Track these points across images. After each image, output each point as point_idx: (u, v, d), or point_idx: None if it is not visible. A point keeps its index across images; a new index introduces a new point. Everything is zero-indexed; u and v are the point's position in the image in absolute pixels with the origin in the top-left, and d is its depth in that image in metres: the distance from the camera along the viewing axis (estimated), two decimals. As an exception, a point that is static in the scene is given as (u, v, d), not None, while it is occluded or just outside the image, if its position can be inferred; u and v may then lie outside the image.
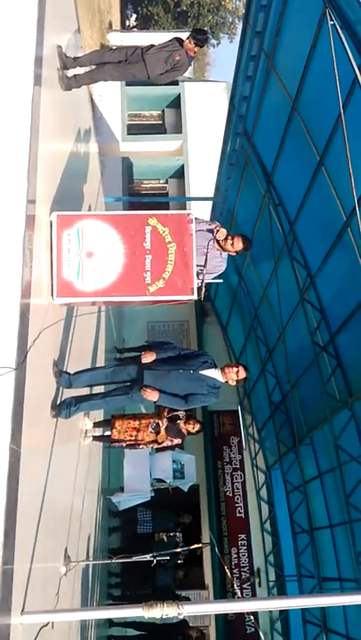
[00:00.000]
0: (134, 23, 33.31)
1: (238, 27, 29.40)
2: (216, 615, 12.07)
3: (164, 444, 7.76)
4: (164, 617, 3.30)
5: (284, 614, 12.50)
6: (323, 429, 9.63)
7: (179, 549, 8.33)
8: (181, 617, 3.35)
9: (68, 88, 5.90)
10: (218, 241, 5.41)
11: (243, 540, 13.43)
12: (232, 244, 5.43)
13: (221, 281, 5.86)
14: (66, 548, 4.99)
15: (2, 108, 4.02)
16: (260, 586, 13.37)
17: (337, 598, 3.31)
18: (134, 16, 33.27)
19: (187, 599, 9.94)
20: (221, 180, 11.10)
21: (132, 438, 7.17)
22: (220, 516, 13.62)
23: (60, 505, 4.86)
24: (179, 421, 7.87)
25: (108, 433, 7.28)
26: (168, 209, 12.88)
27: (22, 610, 3.20)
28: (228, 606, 3.49)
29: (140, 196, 18.31)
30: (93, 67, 6.17)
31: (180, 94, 18.62)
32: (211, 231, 5.38)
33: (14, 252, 3.63)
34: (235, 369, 5.25)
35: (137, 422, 7.17)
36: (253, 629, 12.22)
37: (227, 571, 12.67)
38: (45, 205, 4.58)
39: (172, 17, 30.97)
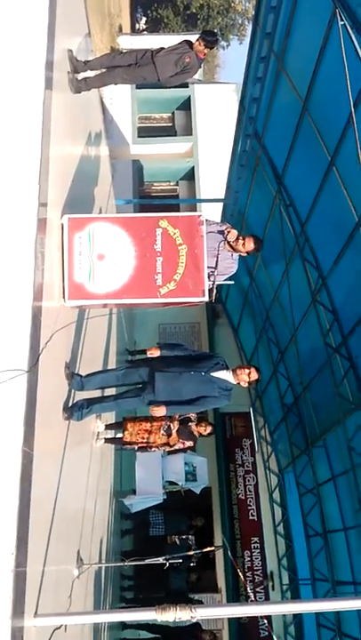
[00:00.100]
0: (144, 26, 33.41)
1: (248, 28, 29.43)
2: (229, 619, 12.02)
3: (176, 447, 7.76)
4: (177, 620, 3.29)
5: (297, 618, 12.44)
6: (336, 431, 9.57)
7: (191, 552, 8.32)
8: (194, 620, 3.33)
9: (77, 91, 5.92)
10: (229, 242, 5.40)
11: (256, 543, 13.39)
12: (243, 244, 5.41)
13: (233, 282, 5.85)
14: (78, 551, 4.99)
15: (13, 112, 4.04)
16: (273, 589, 13.31)
17: (351, 602, 3.28)
18: (144, 19, 33.38)
19: (200, 602, 9.91)
20: (232, 182, 11.09)
21: (144, 441, 7.18)
22: (233, 518, 13.59)
23: (72, 507, 4.86)
24: (190, 424, 7.88)
25: (119, 435, 7.29)
26: (179, 211, 12.89)
27: (35, 612, 3.20)
28: (242, 610, 3.46)
29: (151, 199, 18.35)
30: (104, 70, 6.19)
31: (190, 96, 18.65)
32: (222, 232, 5.37)
33: (26, 255, 3.64)
34: (246, 370, 5.22)
35: (149, 424, 7.17)
36: (267, 633, 12.18)
37: (240, 574, 12.63)
38: (57, 208, 4.59)
39: (182, 20, 31.03)
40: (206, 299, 4.85)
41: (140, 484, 9.03)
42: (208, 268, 4.95)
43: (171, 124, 19.46)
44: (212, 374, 5.20)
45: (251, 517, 13.61)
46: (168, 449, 7.82)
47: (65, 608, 4.18)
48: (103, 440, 7.01)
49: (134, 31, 29.39)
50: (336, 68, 5.74)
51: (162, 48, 6.16)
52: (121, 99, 17.20)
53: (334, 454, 10.28)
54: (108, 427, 7.16)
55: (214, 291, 5.16)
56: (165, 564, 6.61)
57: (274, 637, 12.14)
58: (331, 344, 8.90)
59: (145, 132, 18.70)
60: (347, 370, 8.64)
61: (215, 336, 15.74)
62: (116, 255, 4.72)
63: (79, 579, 4.83)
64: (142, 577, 10.62)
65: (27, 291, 3.54)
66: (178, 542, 10.28)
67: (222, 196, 11.98)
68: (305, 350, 10.05)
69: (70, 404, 4.93)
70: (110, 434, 7.32)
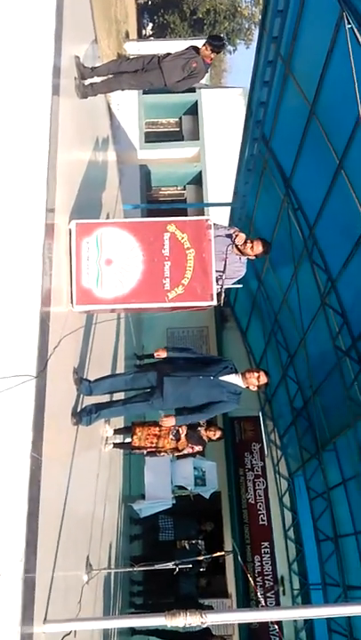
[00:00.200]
0: (151, 32, 33.53)
1: (254, 33, 29.43)
2: (239, 624, 11.96)
3: (185, 451, 7.74)
4: (187, 626, 3.27)
5: (308, 623, 12.34)
6: (346, 435, 9.51)
7: (201, 557, 8.28)
8: (204, 626, 3.31)
9: (84, 96, 5.94)
10: (237, 246, 5.39)
11: (266, 547, 13.33)
12: (252, 247, 5.40)
13: (241, 286, 5.83)
14: (88, 556, 4.98)
15: (21, 118, 4.05)
16: (284, 594, 13.24)
17: (363, 607, 3.25)
18: (151, 25, 33.50)
19: (210, 608, 9.87)
20: (240, 186, 11.08)
21: (153, 445, 7.16)
22: (243, 523, 13.54)
23: (81, 513, 4.85)
24: (199, 428, 7.85)
25: (128, 440, 7.28)
26: (186, 215, 12.90)
27: (45, 619, 3.19)
28: (252, 615, 3.44)
29: (159, 203, 18.37)
30: (110, 76, 6.21)
31: (197, 101, 18.69)
32: (229, 236, 5.36)
33: (34, 261, 3.65)
34: (256, 374, 5.21)
35: (157, 429, 7.16)
36: (278, 639, 12.10)
37: (250, 579, 12.57)
38: (64, 214, 4.61)
39: (189, 25, 31.11)
40: (215, 302, 4.84)
41: (150, 489, 9.02)
42: (216, 271, 4.94)
43: (178, 129, 19.50)
44: (220, 378, 5.18)
45: (261, 522, 13.55)
46: (177, 453, 7.80)
47: (74, 614, 4.17)
48: (112, 445, 7.01)
49: (141, 37, 29.53)
50: (343, 70, 5.72)
51: (168, 53, 6.17)
52: (128, 104, 17.25)
53: (345, 458, 10.21)
54: (116, 431, 7.16)
55: (223, 294, 5.15)
56: (175, 569, 6.58)
57: (285, 643, 12.07)
58: (340, 347, 8.86)
59: (152, 137, 18.75)
60: (357, 373, 8.60)
61: (224, 340, 15.71)
62: (123, 260, 4.72)
63: (88, 584, 4.82)
64: (152, 582, 10.60)
65: (35, 296, 3.55)
66: (187, 547, 10.23)
67: (230, 200, 11.97)
68: (314, 354, 10.01)
69: (79, 409, 4.93)
70: (119, 438, 7.32)
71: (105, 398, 5.41)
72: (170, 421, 5.15)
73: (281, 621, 11.22)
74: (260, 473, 13.88)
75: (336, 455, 10.58)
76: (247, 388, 5.25)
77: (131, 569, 7.72)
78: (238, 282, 5.59)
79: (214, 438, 8.01)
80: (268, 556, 13.23)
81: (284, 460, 14.13)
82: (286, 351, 11.96)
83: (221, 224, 5.67)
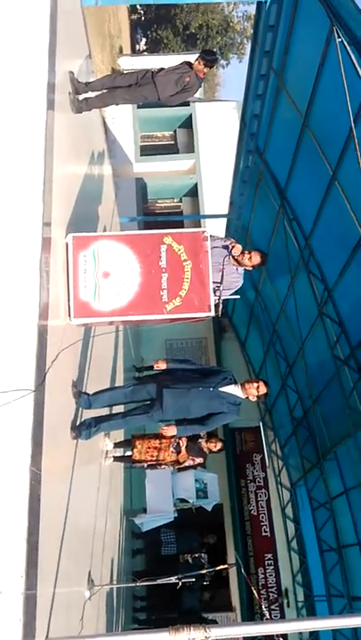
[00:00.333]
0: (144, 47, 33.80)
1: (247, 47, 29.72)
2: (244, 638, 11.84)
3: (186, 464, 7.71)
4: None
5: (314, 635, 12.23)
6: (347, 444, 9.48)
7: (204, 571, 8.23)
8: (209, 640, 3.27)
9: (79, 111, 5.98)
10: (234, 257, 5.41)
11: (269, 559, 13.22)
12: (250, 258, 5.43)
13: (238, 297, 5.85)
14: (89, 572, 4.94)
15: (17, 133, 4.08)
16: (288, 606, 13.13)
17: (368, 618, 3.22)
18: (144, 40, 33.77)
19: (214, 622, 9.78)
20: (235, 197, 11.14)
21: (153, 458, 7.14)
22: (246, 535, 13.43)
23: (82, 527, 4.82)
24: (200, 440, 7.83)
25: (128, 453, 7.25)
26: (183, 227, 12.94)
27: (46, 636, 3.16)
28: (257, 628, 3.40)
29: (155, 216, 18.43)
30: (105, 90, 6.25)
31: (191, 114, 18.82)
32: (226, 247, 5.39)
33: (31, 275, 3.66)
34: (255, 384, 5.21)
35: (158, 442, 7.13)
36: (283, 652, 11.97)
37: (254, 592, 12.46)
38: (61, 227, 4.62)
39: (182, 40, 31.37)
40: (212, 314, 4.84)
41: (151, 503, 8.97)
42: (213, 282, 4.95)
43: (173, 142, 19.62)
44: (220, 389, 5.18)
45: (264, 534, 13.45)
46: (178, 466, 7.77)
47: (77, 631, 4.13)
48: (112, 458, 6.98)
49: (135, 52, 29.77)
50: (335, 83, 5.78)
51: (162, 68, 6.23)
52: (123, 118, 17.36)
53: (346, 467, 10.18)
54: (116, 445, 7.13)
55: (220, 305, 5.16)
56: (178, 583, 6.54)
57: (290, 656, 11.94)
58: (339, 356, 8.86)
59: (147, 151, 18.85)
60: (356, 382, 8.59)
61: (222, 351, 15.71)
62: (121, 272, 4.73)
63: (90, 600, 4.78)
64: (155, 597, 10.52)
65: (32, 310, 3.56)
66: (190, 561, 10.17)
67: (226, 212, 12.03)
68: (313, 363, 10.01)
69: (78, 423, 4.92)
70: (119, 452, 7.29)
71: (104, 411, 5.39)
72: (171, 431, 5.13)
73: (286, 634, 11.11)
74: (261, 484, 13.79)
75: (337, 464, 10.54)
76: (247, 398, 5.24)
77: (133, 584, 7.66)
78: (235, 292, 5.61)
79: (215, 450, 7.99)
80: (272, 567, 13.11)
81: (286, 471, 14.08)
82: (285, 361, 11.96)
83: (218, 235, 5.70)
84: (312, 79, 6.79)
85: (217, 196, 15.26)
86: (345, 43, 5.55)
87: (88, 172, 6.97)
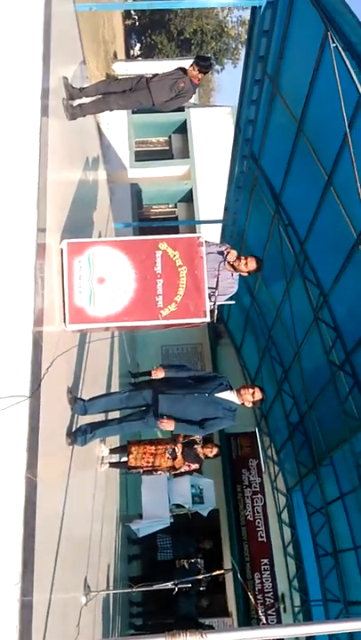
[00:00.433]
0: (139, 52, 33.90)
1: (241, 52, 29.84)
2: (241, 643, 11.80)
3: (182, 470, 7.69)
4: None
5: (310, 640, 12.22)
6: (342, 449, 9.50)
7: (200, 576, 8.20)
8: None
9: (73, 117, 5.99)
10: (229, 262, 5.42)
11: (266, 564, 13.21)
12: (246, 263, 5.43)
13: (234, 302, 5.86)
14: (85, 578, 4.92)
15: (11, 139, 4.08)
16: (285, 611, 13.12)
17: (364, 623, 3.22)
18: (138, 45, 33.88)
19: (210, 627, 9.75)
20: (230, 203, 11.17)
21: (149, 464, 7.12)
22: (242, 540, 13.42)
23: (78, 533, 4.81)
24: (196, 446, 7.81)
25: (124, 459, 7.24)
26: (178, 233, 12.97)
27: (42, 643, 3.15)
28: (253, 633, 3.38)
29: (150, 221, 18.47)
30: (99, 96, 6.26)
31: (186, 120, 18.89)
32: (221, 253, 5.39)
33: (26, 281, 3.65)
34: (250, 390, 5.20)
35: (153, 448, 7.12)
36: (280, 657, 11.93)
37: (250, 597, 12.44)
38: (56, 233, 4.62)
39: (176, 45, 31.48)
40: (208, 319, 4.84)
41: (147, 508, 8.95)
42: (209, 288, 4.95)
43: (168, 148, 19.67)
44: (216, 395, 5.17)
45: (260, 539, 13.44)
46: (174, 472, 7.75)
47: (73, 637, 4.11)
48: (108, 464, 6.96)
49: (129, 57, 29.86)
50: (329, 88, 5.81)
51: (156, 74, 6.24)
52: (117, 124, 17.42)
53: (342, 472, 10.19)
54: (112, 451, 7.11)
55: (216, 311, 5.16)
56: (174, 588, 6.52)
57: (287, 662, 11.91)
58: (334, 361, 8.88)
59: (142, 156, 18.89)
60: (351, 387, 8.61)
61: (218, 356, 15.72)
62: (116, 278, 4.73)
63: (87, 606, 4.76)
64: (151, 603, 10.48)
65: (27, 316, 3.55)
66: (187, 566, 10.13)
67: (221, 217, 12.06)
68: (309, 368, 10.03)
69: (74, 429, 4.90)
70: (115, 458, 7.27)
71: (100, 417, 5.38)
72: (169, 425, 5.06)
73: (283, 639, 11.09)
74: (257, 489, 13.79)
75: (333, 469, 10.55)
76: (242, 404, 5.23)
77: (130, 590, 7.63)
78: (231, 298, 5.61)
79: (211, 455, 7.97)
80: (268, 573, 13.10)
81: (282, 476, 14.08)
82: (281, 366, 11.97)
83: (213, 241, 5.70)
84: (307, 84, 6.82)
85: (212, 202, 15.31)
86: (339, 48, 5.59)
87: (83, 178, 6.97)
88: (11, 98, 4.26)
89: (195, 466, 8.03)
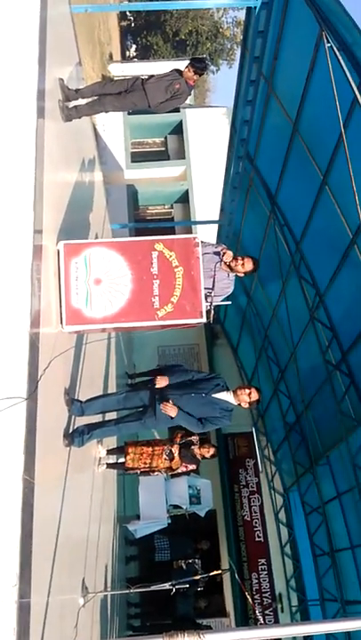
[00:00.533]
0: (134, 53, 33.92)
1: (237, 53, 29.84)
2: (239, 643, 11.80)
3: (179, 470, 7.70)
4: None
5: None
6: (339, 449, 9.51)
7: (198, 577, 8.20)
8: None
9: (68, 119, 5.99)
10: (226, 263, 5.42)
11: (263, 564, 13.22)
12: (242, 264, 5.44)
13: (230, 303, 5.87)
14: (83, 579, 4.92)
15: (6, 141, 4.08)
16: (282, 611, 13.13)
17: (361, 622, 3.22)
18: (134, 46, 33.90)
19: (208, 627, 9.75)
20: (226, 203, 11.18)
21: (147, 465, 7.13)
22: (239, 540, 13.43)
23: (75, 535, 4.81)
24: (193, 447, 7.81)
25: (121, 460, 7.24)
26: (174, 234, 12.97)
27: (40, 644, 3.15)
28: (251, 633, 3.39)
29: (146, 222, 18.46)
30: (95, 98, 6.27)
31: (181, 121, 18.88)
32: (217, 254, 5.40)
33: (22, 282, 3.65)
34: (247, 391, 5.20)
35: (150, 449, 7.12)
36: (277, 657, 11.94)
37: (248, 597, 12.45)
38: (52, 235, 4.62)
39: (172, 46, 31.51)
40: (204, 320, 4.85)
41: (144, 509, 8.94)
42: (205, 289, 4.96)
43: (163, 149, 19.66)
44: (213, 396, 5.18)
45: (257, 539, 13.45)
46: (171, 472, 7.76)
47: (71, 638, 4.11)
48: (105, 465, 6.97)
49: (125, 58, 29.87)
50: (324, 88, 5.82)
51: (152, 75, 6.25)
52: (113, 125, 17.41)
53: (339, 472, 10.21)
54: (109, 452, 7.12)
55: (212, 311, 5.16)
56: (172, 589, 6.52)
57: (285, 661, 11.92)
58: (331, 361, 8.90)
59: (138, 157, 18.88)
60: (347, 386, 8.63)
61: (215, 356, 15.72)
62: (112, 279, 4.73)
63: (85, 608, 4.76)
64: (149, 604, 10.48)
65: (24, 317, 3.55)
66: (184, 567, 10.14)
67: (217, 218, 12.07)
68: (305, 368, 10.04)
69: (71, 430, 4.91)
70: (112, 459, 7.27)
71: (97, 418, 5.38)
72: (173, 410, 4.94)
73: (281, 639, 11.09)
74: (254, 489, 13.80)
75: (330, 469, 10.57)
76: (239, 405, 5.24)
77: (127, 591, 7.63)
78: (227, 299, 5.62)
79: (208, 456, 7.98)
80: (266, 573, 13.11)
81: (279, 476, 14.09)
82: (277, 366, 11.99)
83: (209, 242, 5.71)
84: (302, 84, 6.84)
85: (208, 203, 15.31)
86: (334, 48, 5.60)
87: (79, 180, 6.97)
88: (7, 99, 4.26)
89: (192, 466, 8.04)
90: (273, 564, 13.23)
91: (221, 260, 5.40)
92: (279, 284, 9.69)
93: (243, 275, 5.60)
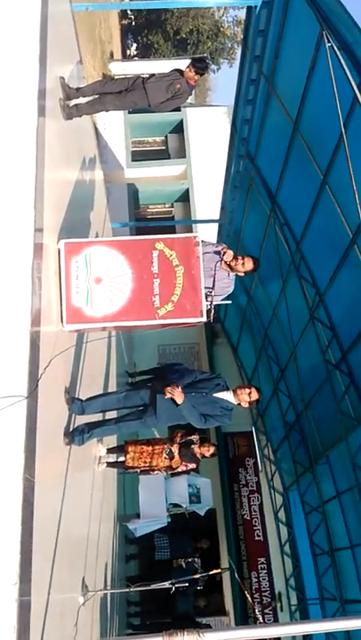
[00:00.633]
0: (135, 52, 33.89)
1: (237, 52, 29.83)
2: (238, 642, 11.82)
3: (179, 469, 7.71)
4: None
5: (307, 639, 12.23)
6: (339, 448, 9.52)
7: (198, 575, 8.21)
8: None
9: (69, 117, 5.99)
10: (226, 262, 5.43)
11: (262, 563, 13.24)
12: (243, 263, 5.44)
13: (230, 302, 5.87)
14: (83, 578, 4.93)
15: (7, 139, 4.08)
16: (281, 610, 13.14)
17: (361, 621, 3.23)
18: (135, 45, 33.87)
19: (208, 626, 9.77)
20: (226, 202, 11.18)
21: (147, 464, 7.13)
22: (239, 539, 13.44)
23: (75, 533, 4.81)
24: (193, 446, 7.82)
25: (122, 459, 7.24)
26: (175, 233, 12.97)
27: (41, 642, 3.15)
28: (250, 632, 3.40)
29: (147, 221, 18.45)
30: (95, 96, 6.26)
31: (182, 120, 18.88)
32: (218, 253, 5.40)
33: (23, 281, 3.65)
34: (247, 390, 5.20)
35: (150, 448, 7.13)
36: (277, 656, 11.96)
37: (247, 596, 12.47)
38: (53, 233, 4.62)
39: (172, 45, 31.48)
40: (204, 319, 4.85)
41: (144, 508, 8.95)
42: (205, 288, 4.96)
43: (164, 148, 19.66)
44: (213, 395, 5.18)
45: (257, 538, 13.46)
46: (171, 471, 7.76)
47: (71, 637, 4.12)
48: (105, 464, 6.97)
49: (125, 57, 29.85)
50: (325, 88, 5.82)
51: (153, 75, 6.24)
52: (114, 124, 17.40)
53: (338, 471, 10.21)
54: (109, 450, 7.12)
55: (212, 311, 5.17)
56: (172, 588, 6.52)
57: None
58: (330, 360, 8.90)
59: (139, 156, 18.88)
60: (347, 386, 8.63)
61: (215, 356, 15.73)
62: (113, 278, 4.73)
63: (85, 606, 4.76)
64: (149, 602, 10.49)
65: (24, 316, 3.55)
66: (184, 565, 10.15)
67: (217, 217, 12.07)
68: (305, 367, 10.04)
69: (71, 429, 4.91)
70: (112, 458, 7.28)
71: (97, 417, 5.38)
72: (180, 397, 4.76)
73: (280, 638, 11.11)
74: (254, 488, 13.82)
75: (330, 468, 10.57)
76: (239, 404, 5.24)
77: (127, 589, 7.63)
78: (227, 298, 5.62)
79: (208, 455, 7.98)
80: (265, 571, 13.12)
81: (279, 475, 14.10)
82: (277, 365, 11.99)
83: (209, 241, 5.71)
84: (302, 84, 6.84)
85: (208, 202, 15.31)
86: (335, 47, 5.60)
87: (79, 178, 6.97)
88: (7, 98, 4.26)
89: (192, 465, 8.04)
90: (272, 563, 13.25)
91: (222, 260, 5.40)
92: (279, 283, 9.69)
93: (243, 274, 5.60)
